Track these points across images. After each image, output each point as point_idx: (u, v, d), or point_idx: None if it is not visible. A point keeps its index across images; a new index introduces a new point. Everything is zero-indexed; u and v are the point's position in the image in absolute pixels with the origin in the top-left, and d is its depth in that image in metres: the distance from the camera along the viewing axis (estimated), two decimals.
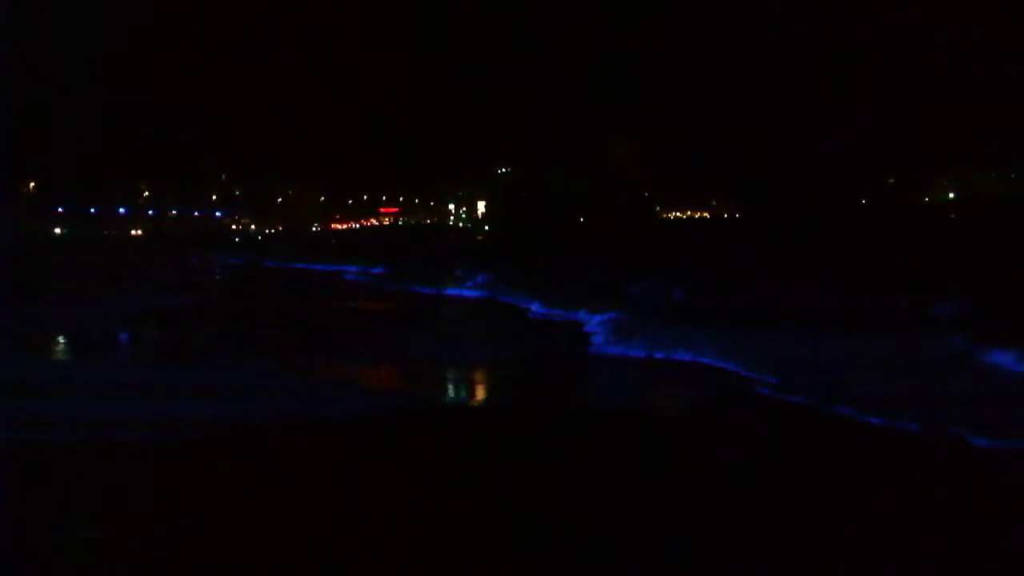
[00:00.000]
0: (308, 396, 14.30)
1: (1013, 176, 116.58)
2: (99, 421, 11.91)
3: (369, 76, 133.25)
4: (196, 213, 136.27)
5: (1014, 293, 18.96)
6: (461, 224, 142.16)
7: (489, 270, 38.67)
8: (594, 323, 21.68)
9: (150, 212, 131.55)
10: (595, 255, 45.68)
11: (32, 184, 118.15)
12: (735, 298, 24.87)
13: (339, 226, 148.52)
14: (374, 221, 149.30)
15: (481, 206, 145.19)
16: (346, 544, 7.56)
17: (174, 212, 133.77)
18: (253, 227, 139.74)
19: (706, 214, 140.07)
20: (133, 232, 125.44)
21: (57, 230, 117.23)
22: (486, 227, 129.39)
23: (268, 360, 18.02)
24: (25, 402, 12.97)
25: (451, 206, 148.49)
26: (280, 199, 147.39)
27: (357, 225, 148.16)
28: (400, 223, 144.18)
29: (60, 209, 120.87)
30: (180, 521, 8.18)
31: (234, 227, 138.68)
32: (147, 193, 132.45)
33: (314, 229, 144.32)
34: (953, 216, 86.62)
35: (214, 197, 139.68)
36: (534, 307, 27.87)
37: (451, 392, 15.91)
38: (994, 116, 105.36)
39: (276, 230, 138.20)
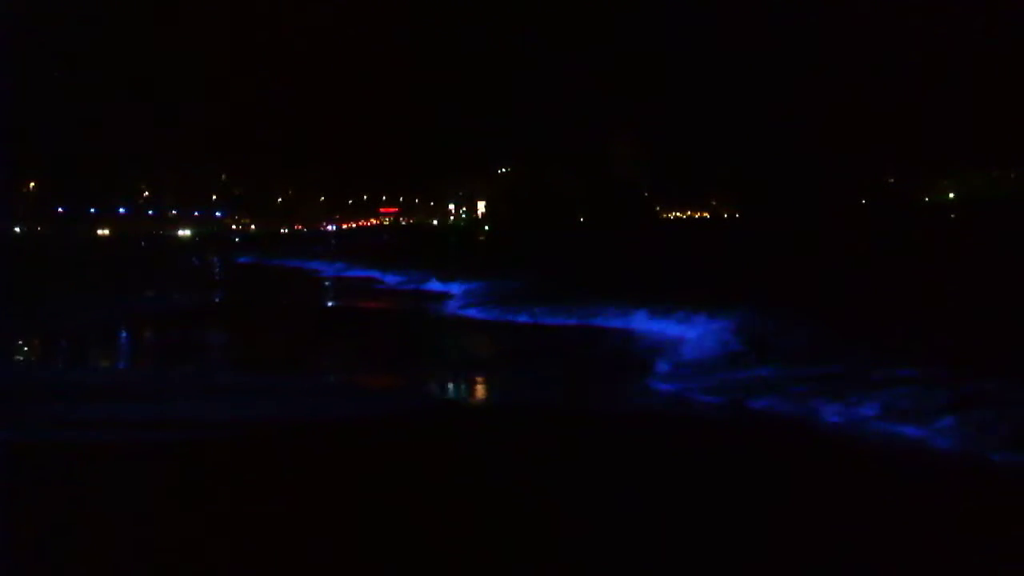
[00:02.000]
0: (307, 396, 14.26)
1: (1013, 176, 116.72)
2: (99, 421, 11.92)
3: (369, 76, 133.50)
4: (196, 213, 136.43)
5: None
6: (452, 222, 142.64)
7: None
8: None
9: (150, 212, 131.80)
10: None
11: (32, 184, 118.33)
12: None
13: (336, 226, 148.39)
14: (374, 221, 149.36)
15: (481, 206, 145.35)
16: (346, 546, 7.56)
17: (174, 212, 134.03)
18: (253, 227, 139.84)
19: (706, 214, 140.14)
20: (100, 232, 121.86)
21: (16, 228, 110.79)
22: (486, 227, 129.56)
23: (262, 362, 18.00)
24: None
25: (451, 206, 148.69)
26: (280, 199, 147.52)
27: (332, 228, 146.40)
28: (403, 223, 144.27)
29: (60, 209, 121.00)
30: (178, 522, 8.18)
31: (234, 227, 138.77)
32: (147, 193, 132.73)
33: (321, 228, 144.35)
34: (953, 216, 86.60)
35: (214, 197, 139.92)
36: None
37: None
38: (994, 116, 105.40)
39: (282, 230, 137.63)
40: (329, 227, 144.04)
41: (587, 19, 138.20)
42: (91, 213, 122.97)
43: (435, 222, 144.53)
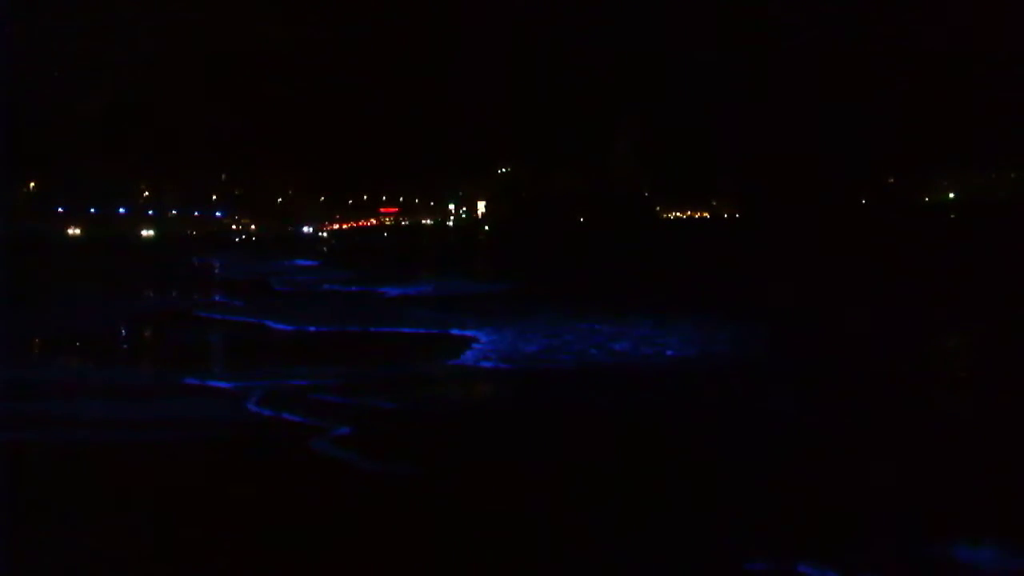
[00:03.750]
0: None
1: (1013, 176, 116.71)
2: (98, 421, 11.94)
3: (370, 77, 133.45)
4: (196, 213, 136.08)
5: None
6: (452, 223, 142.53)
7: None
8: None
9: (150, 212, 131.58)
10: None
11: (32, 184, 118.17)
12: None
13: (335, 226, 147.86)
14: (374, 221, 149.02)
15: (481, 206, 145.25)
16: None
17: (174, 212, 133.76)
18: (253, 227, 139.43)
19: (706, 214, 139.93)
20: (71, 231, 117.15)
21: None
22: (486, 227, 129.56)
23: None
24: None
25: (451, 206, 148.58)
26: (280, 199, 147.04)
27: (308, 229, 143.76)
28: (405, 223, 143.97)
29: (60, 209, 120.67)
30: (177, 520, 8.20)
31: (234, 227, 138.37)
32: (147, 193, 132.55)
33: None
34: (953, 216, 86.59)
35: (214, 197, 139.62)
36: None
37: None
38: (994, 116, 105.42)
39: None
40: (306, 229, 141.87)
41: (588, 18, 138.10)
42: (91, 213, 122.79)
43: (428, 221, 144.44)
